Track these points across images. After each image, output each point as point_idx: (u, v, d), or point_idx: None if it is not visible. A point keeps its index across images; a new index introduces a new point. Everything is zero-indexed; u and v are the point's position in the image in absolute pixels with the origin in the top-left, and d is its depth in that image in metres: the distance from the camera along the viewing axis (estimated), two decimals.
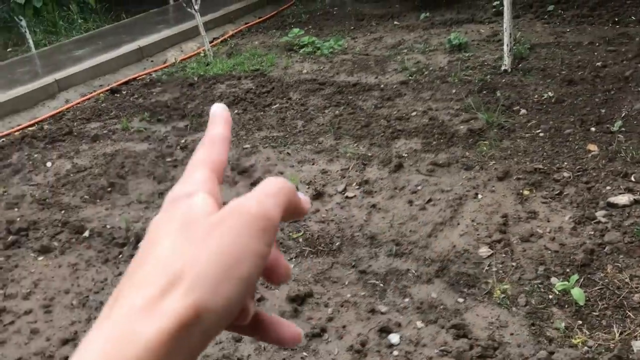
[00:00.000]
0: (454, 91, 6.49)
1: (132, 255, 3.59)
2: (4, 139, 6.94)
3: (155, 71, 8.82)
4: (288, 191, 0.50)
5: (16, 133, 7.11)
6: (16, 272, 4.35)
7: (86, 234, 4.74)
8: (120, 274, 4.14)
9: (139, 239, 4.50)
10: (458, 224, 4.12)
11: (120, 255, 4.37)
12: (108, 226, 4.84)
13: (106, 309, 0.45)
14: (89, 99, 8.03)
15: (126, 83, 8.43)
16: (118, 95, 8.06)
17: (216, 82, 7.90)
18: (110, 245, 4.53)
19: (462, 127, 5.59)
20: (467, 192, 4.47)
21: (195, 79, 8.14)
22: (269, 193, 0.49)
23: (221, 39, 10.07)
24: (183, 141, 6.26)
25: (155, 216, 0.54)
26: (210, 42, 9.47)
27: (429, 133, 5.61)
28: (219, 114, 0.62)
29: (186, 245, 0.46)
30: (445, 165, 4.92)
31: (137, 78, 8.61)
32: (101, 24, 11.94)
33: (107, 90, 8.16)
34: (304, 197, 0.55)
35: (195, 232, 0.47)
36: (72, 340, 3.59)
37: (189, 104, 7.30)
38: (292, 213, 0.52)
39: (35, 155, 6.35)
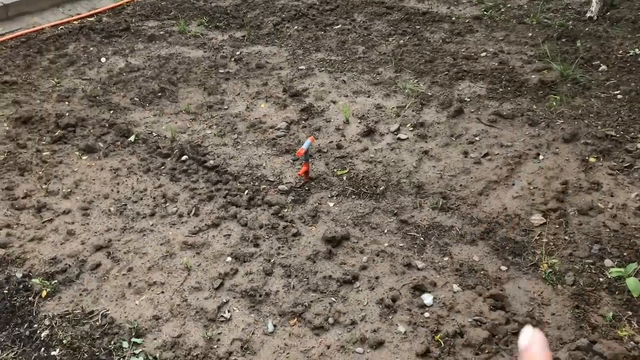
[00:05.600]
0: (530, 35, 5.99)
1: (174, 168, 3.49)
2: (62, 27, 6.85)
3: None
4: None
5: (75, 22, 7.00)
6: (60, 168, 4.37)
7: (132, 138, 4.69)
8: (160, 186, 4.11)
9: (182, 152, 4.43)
10: (513, 184, 3.87)
11: (163, 167, 4.31)
12: (154, 133, 4.77)
13: None
14: None
15: None
16: None
17: None
18: (154, 155, 4.48)
19: (533, 76, 5.18)
20: (528, 151, 4.17)
21: None
22: None
23: None
24: (238, 53, 6.04)
25: None
26: None
27: (496, 78, 5.23)
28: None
29: None
30: (509, 117, 4.59)
31: None
32: None
33: None
34: None
35: None
36: (105, 248, 3.61)
37: (249, 12, 7.00)
38: None
39: (91, 49, 6.26)
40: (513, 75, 5.22)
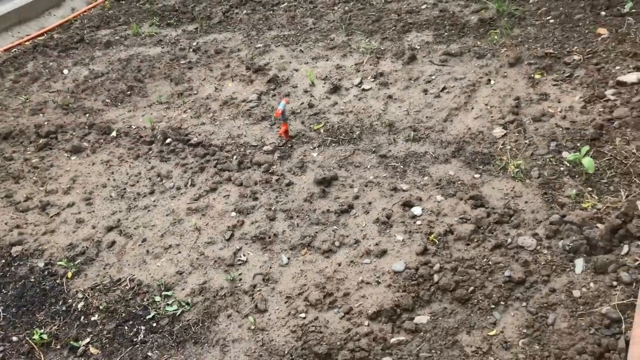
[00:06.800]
0: None
1: (161, 151, 3.80)
2: (15, 49, 6.99)
3: None
4: None
5: (27, 43, 7.14)
6: (53, 170, 4.59)
7: (113, 134, 4.94)
8: (152, 168, 4.39)
9: (165, 136, 4.71)
10: (472, 108, 4.30)
11: (150, 151, 4.59)
12: (133, 126, 5.02)
13: None
14: (94, 6, 7.97)
15: None
16: (124, 1, 7.99)
17: None
18: (138, 143, 4.74)
19: (472, 17, 5.62)
20: (480, 79, 4.60)
21: None
22: None
23: None
24: (195, 43, 6.31)
25: None
26: None
27: (440, 25, 5.65)
28: None
29: None
30: (457, 54, 5.02)
31: None
32: None
33: None
34: None
35: None
36: (116, 227, 3.88)
37: (197, 6, 7.27)
38: None
39: (51, 64, 6.43)
40: (454, 20, 5.66)
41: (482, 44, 5.10)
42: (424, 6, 6.09)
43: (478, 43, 5.14)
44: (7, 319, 3.34)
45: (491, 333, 2.71)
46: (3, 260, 3.76)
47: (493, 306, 2.83)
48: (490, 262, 3.04)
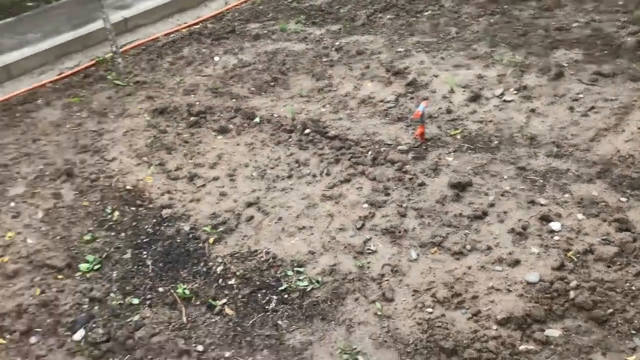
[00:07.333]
0: (620, 2, 6.16)
1: (300, 140, 3.99)
2: (174, 35, 7.59)
3: None
4: None
5: (184, 30, 7.74)
6: (201, 146, 4.97)
7: (257, 119, 5.25)
8: (291, 154, 4.63)
9: (305, 127, 4.94)
10: (623, 130, 4.13)
11: (290, 139, 4.84)
12: (275, 115, 5.31)
13: None
14: (246, 1, 8.47)
15: None
16: None
17: None
18: (279, 131, 5.01)
19: (629, 39, 5.37)
20: (634, 102, 4.40)
21: None
22: None
23: None
24: (337, 43, 6.53)
25: None
26: None
27: (591, 44, 5.46)
28: None
29: None
30: (609, 75, 4.83)
31: None
32: None
33: None
34: None
35: None
36: (254, 204, 4.14)
37: (342, 8, 7.51)
38: None
39: (204, 50, 6.93)
40: (608, 40, 5.44)
41: (638, 67, 4.87)
42: (575, 24, 5.90)
43: (634, 65, 4.91)
44: (155, 271, 3.68)
45: (630, 358, 2.62)
46: (154, 220, 4.14)
47: (634, 332, 2.72)
48: (633, 287, 2.92)
